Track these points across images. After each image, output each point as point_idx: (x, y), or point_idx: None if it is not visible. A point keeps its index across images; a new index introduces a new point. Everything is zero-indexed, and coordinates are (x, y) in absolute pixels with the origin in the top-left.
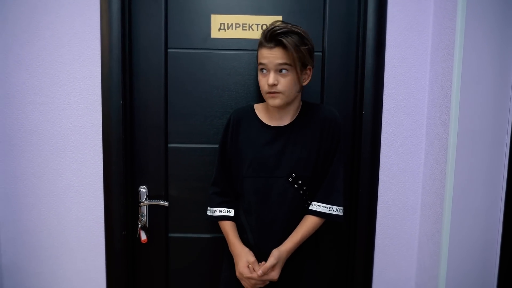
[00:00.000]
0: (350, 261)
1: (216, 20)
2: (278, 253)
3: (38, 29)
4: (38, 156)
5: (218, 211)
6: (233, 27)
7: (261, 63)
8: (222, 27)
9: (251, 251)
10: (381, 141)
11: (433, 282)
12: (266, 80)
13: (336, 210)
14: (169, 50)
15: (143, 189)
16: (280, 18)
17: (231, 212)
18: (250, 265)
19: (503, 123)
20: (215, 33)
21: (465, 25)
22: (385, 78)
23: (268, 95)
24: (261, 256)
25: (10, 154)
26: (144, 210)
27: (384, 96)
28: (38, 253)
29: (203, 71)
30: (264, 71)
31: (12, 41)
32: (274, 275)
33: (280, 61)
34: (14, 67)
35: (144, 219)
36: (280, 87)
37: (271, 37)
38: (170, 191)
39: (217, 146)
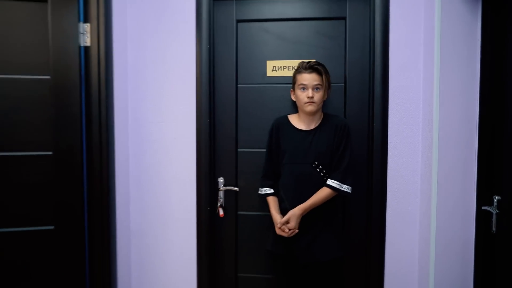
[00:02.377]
0: (367, 235)
1: (270, 64)
2: (292, 212)
3: (157, 75)
4: (156, 156)
5: (264, 190)
6: (281, 68)
7: (302, 83)
8: (274, 69)
9: (281, 215)
10: (388, 145)
11: (428, 247)
12: (306, 94)
13: (345, 188)
14: (238, 85)
15: (220, 180)
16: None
17: (272, 190)
18: (278, 223)
19: (473, 130)
20: (269, 73)
21: (440, 64)
22: (389, 100)
23: (306, 104)
24: None
25: (139, 156)
26: (221, 194)
27: (389, 113)
28: (154, 222)
29: (261, 99)
30: (303, 89)
31: (142, 83)
32: (290, 225)
33: (316, 82)
34: (142, 99)
35: (222, 200)
36: (315, 99)
37: (309, 67)
38: (239, 181)
39: None
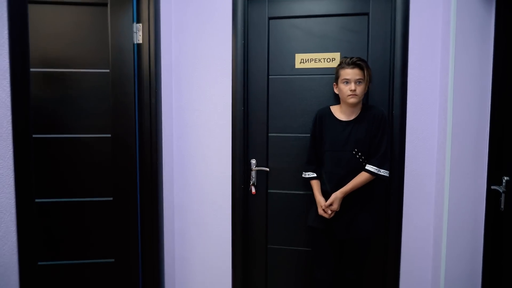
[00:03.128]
0: (387, 211)
1: (298, 57)
2: (334, 195)
3: (197, 68)
4: (196, 140)
5: (308, 174)
6: (309, 61)
7: (345, 78)
8: (302, 61)
9: (323, 198)
10: (406, 130)
11: (441, 223)
12: (349, 88)
13: (383, 172)
14: (270, 76)
15: (253, 161)
16: (338, 54)
17: (315, 174)
18: (323, 205)
19: (485, 115)
20: (297, 65)
21: (455, 56)
22: (408, 89)
23: (349, 96)
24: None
25: (182, 139)
26: (254, 174)
27: (407, 101)
28: (194, 197)
29: (290, 89)
30: (346, 83)
31: (184, 75)
32: (333, 207)
33: (358, 77)
34: (184, 91)
35: (254, 179)
36: (357, 92)
37: (352, 63)
38: (269, 162)
39: (299, 135)
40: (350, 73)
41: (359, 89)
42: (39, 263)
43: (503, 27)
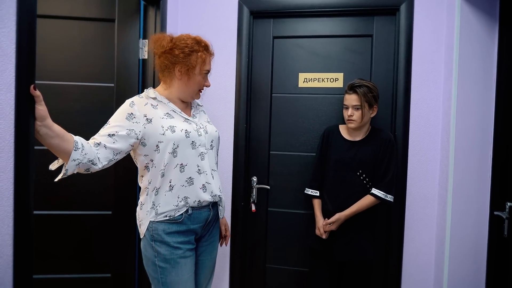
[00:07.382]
0: (388, 234)
1: (302, 76)
2: (338, 215)
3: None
4: None
5: (310, 191)
6: (312, 80)
7: (344, 103)
8: (305, 80)
9: (323, 218)
10: (408, 153)
11: (443, 248)
12: (347, 113)
13: (390, 198)
14: (273, 95)
15: (254, 178)
16: (342, 74)
17: (317, 193)
18: (320, 226)
19: (488, 140)
20: (301, 84)
21: (458, 79)
22: (411, 111)
23: (347, 122)
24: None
25: None
26: (254, 191)
27: (410, 123)
28: None
29: (293, 107)
30: (346, 108)
31: None
32: (331, 227)
33: (354, 103)
34: None
35: (254, 197)
36: (354, 117)
37: (350, 87)
38: (270, 180)
39: (300, 153)
40: (348, 98)
41: (357, 115)
42: (34, 276)
43: (506, 52)
